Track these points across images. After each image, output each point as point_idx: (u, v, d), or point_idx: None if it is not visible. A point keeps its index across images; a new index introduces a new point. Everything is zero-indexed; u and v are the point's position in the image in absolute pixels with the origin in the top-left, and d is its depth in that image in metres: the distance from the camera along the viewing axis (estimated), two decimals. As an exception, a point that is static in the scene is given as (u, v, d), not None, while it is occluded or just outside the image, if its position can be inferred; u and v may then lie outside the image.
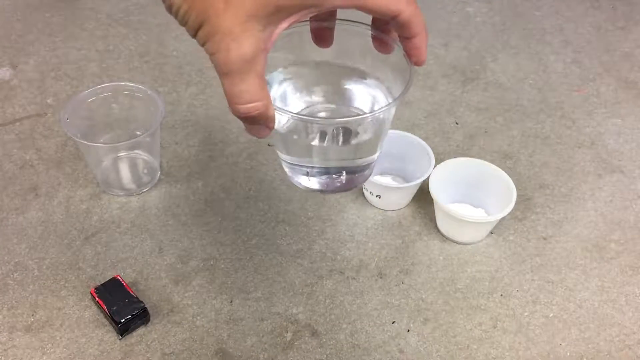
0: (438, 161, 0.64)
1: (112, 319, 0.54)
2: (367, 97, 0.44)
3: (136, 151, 0.68)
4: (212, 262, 0.61)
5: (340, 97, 0.45)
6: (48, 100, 0.79)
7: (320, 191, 0.45)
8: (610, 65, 0.89)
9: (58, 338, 0.54)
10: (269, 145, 0.74)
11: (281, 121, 0.40)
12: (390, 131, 0.68)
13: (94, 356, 0.53)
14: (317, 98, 0.44)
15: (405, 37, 0.36)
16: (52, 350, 0.54)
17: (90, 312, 0.56)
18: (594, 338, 0.55)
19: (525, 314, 0.57)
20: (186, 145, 0.73)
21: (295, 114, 0.38)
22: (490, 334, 0.56)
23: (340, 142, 0.42)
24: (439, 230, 0.64)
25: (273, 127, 0.36)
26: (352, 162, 0.44)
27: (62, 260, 0.61)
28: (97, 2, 0.98)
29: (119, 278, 0.57)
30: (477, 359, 0.54)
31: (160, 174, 0.69)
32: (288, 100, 0.44)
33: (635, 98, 0.83)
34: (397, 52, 0.41)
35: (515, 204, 0.60)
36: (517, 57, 0.90)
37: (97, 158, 0.66)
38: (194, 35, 0.31)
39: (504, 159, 0.73)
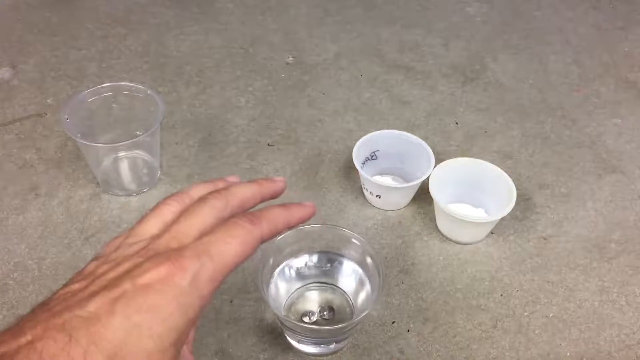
0: (438, 161, 0.64)
1: (112, 319, 0.54)
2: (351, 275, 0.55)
3: (136, 151, 0.68)
4: (212, 262, 0.61)
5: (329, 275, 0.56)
6: (48, 100, 0.79)
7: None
8: (610, 65, 0.89)
9: (58, 338, 0.54)
10: (268, 145, 0.74)
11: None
12: (390, 131, 0.69)
13: (94, 356, 0.53)
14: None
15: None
16: (52, 350, 0.54)
17: (90, 312, 0.56)
18: (594, 338, 0.55)
19: (525, 314, 0.57)
20: (186, 145, 0.74)
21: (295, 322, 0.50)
22: (490, 334, 0.56)
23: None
24: (439, 231, 0.64)
25: None
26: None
27: (62, 260, 0.61)
28: (97, 2, 0.98)
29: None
30: (477, 359, 0.54)
31: (160, 174, 0.69)
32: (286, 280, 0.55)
33: (635, 98, 0.83)
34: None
35: (515, 204, 0.60)
36: (517, 57, 0.90)
37: (97, 158, 0.66)
38: None
39: (504, 159, 0.73)
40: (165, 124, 0.76)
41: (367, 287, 0.53)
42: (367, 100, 0.82)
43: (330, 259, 0.56)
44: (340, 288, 0.55)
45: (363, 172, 0.63)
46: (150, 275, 0.30)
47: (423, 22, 0.97)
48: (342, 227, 0.54)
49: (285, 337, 0.54)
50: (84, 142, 0.61)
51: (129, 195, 0.67)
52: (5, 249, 0.61)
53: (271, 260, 0.53)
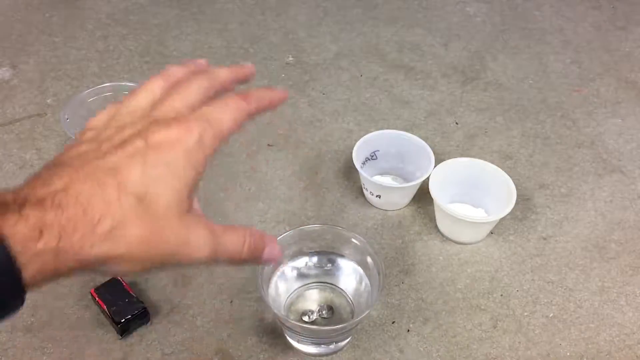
0: (438, 161, 0.64)
1: (112, 319, 0.54)
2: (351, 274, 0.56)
3: (136, 151, 0.68)
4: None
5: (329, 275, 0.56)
6: (48, 100, 0.79)
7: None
8: (610, 65, 0.89)
9: (58, 338, 0.54)
10: (268, 145, 0.74)
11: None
12: (390, 131, 0.69)
13: (94, 356, 0.53)
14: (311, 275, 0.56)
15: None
16: (52, 350, 0.54)
17: (90, 312, 0.56)
18: (594, 338, 0.55)
19: (525, 314, 0.57)
20: (186, 145, 0.73)
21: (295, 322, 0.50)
22: (490, 334, 0.56)
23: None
24: (439, 231, 0.64)
25: None
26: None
27: (62, 260, 0.60)
28: (97, 2, 0.98)
29: (119, 278, 0.57)
30: (477, 359, 0.54)
31: (160, 174, 0.69)
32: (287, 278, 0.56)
33: (635, 98, 0.83)
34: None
35: (515, 204, 0.60)
36: (517, 57, 0.90)
37: (97, 158, 0.66)
38: (168, 264, 0.34)
39: (504, 159, 0.73)
40: (165, 124, 0.75)
41: (367, 287, 0.53)
42: (367, 100, 0.82)
43: (330, 259, 0.56)
44: (340, 288, 0.55)
45: (363, 172, 0.63)
46: (161, 135, 0.33)
47: (423, 22, 0.97)
48: (342, 227, 0.54)
49: (285, 337, 0.54)
50: (84, 142, 0.60)
51: (129, 195, 0.67)
52: (5, 249, 0.61)
53: None
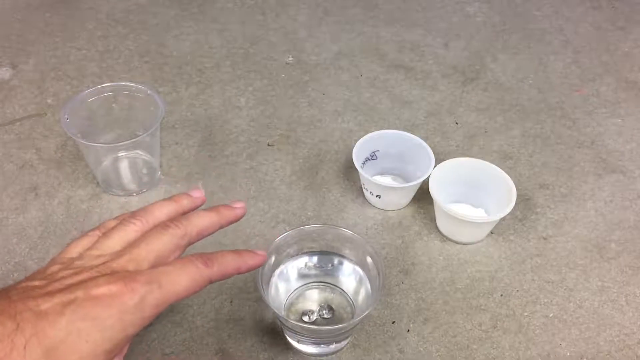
0: (438, 161, 0.64)
1: (112, 319, 0.54)
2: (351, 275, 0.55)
3: (136, 151, 0.68)
4: (212, 262, 0.61)
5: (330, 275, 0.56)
6: (48, 100, 0.79)
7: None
8: (610, 65, 0.89)
9: (58, 338, 0.54)
10: (268, 145, 0.74)
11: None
12: (390, 131, 0.69)
13: (94, 356, 0.53)
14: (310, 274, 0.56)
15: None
16: (52, 350, 0.54)
17: (90, 312, 0.56)
18: (594, 338, 0.55)
19: (525, 314, 0.57)
20: (186, 145, 0.74)
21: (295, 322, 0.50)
22: (490, 334, 0.56)
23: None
24: (439, 231, 0.64)
25: None
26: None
27: (62, 260, 0.61)
28: (97, 2, 0.98)
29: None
30: (477, 359, 0.54)
31: (160, 174, 0.69)
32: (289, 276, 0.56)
33: (635, 98, 0.83)
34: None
35: (515, 204, 0.60)
36: (517, 57, 0.90)
37: (97, 158, 0.66)
38: None
39: (504, 159, 0.73)
40: (165, 124, 0.76)
41: (367, 287, 0.53)
42: (367, 100, 0.82)
43: (330, 259, 0.56)
44: (340, 288, 0.55)
45: (363, 172, 0.63)
46: (103, 290, 0.34)
47: (423, 22, 0.97)
48: (342, 227, 0.54)
49: (285, 337, 0.54)
50: (84, 142, 0.61)
51: (129, 195, 0.67)
52: (5, 249, 0.61)
53: (271, 260, 0.53)
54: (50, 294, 0.34)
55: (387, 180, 0.68)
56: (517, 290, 0.59)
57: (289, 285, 0.55)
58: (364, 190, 0.67)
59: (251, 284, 0.59)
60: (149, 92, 0.65)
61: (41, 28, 0.92)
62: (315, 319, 0.54)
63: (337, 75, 0.86)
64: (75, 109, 0.63)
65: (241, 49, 0.90)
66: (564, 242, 0.64)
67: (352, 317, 0.53)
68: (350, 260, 0.55)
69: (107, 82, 0.67)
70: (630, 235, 0.65)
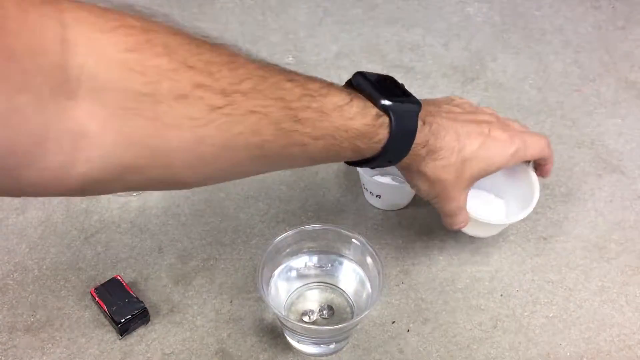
0: (438, 161, 0.64)
1: (112, 319, 0.54)
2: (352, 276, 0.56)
3: (136, 151, 0.68)
4: (212, 262, 0.61)
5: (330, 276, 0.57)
6: (48, 100, 0.79)
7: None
8: (610, 65, 0.89)
9: (58, 338, 0.54)
10: (269, 145, 0.74)
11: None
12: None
13: (94, 356, 0.53)
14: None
15: (542, 165, 0.58)
16: (52, 350, 0.54)
17: (90, 312, 0.56)
18: (594, 338, 0.55)
19: (525, 314, 0.57)
20: (186, 145, 0.73)
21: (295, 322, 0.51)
22: (490, 334, 0.56)
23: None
24: (439, 230, 0.64)
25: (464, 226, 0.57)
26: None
27: (62, 260, 0.61)
28: (97, 3, 0.98)
29: (119, 278, 0.57)
30: (477, 359, 0.54)
31: (160, 174, 0.69)
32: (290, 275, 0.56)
33: (635, 98, 0.83)
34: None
35: (515, 204, 0.60)
36: (517, 57, 0.90)
37: (97, 158, 0.66)
38: (431, 199, 0.53)
39: (504, 159, 0.73)
40: (165, 124, 0.75)
41: (367, 287, 0.53)
42: (367, 100, 0.81)
43: (330, 259, 0.56)
44: (340, 288, 0.55)
45: (363, 172, 0.63)
46: (498, 133, 0.51)
47: (423, 22, 0.97)
48: (342, 227, 0.54)
49: (285, 337, 0.54)
50: (84, 142, 0.60)
51: (129, 195, 0.67)
52: (5, 249, 0.61)
53: (271, 260, 0.53)
54: (468, 121, 0.51)
55: (387, 180, 0.68)
56: (517, 290, 0.59)
57: (289, 285, 0.55)
58: (364, 190, 0.67)
59: (251, 284, 0.59)
60: (149, 92, 0.65)
61: (41, 28, 0.92)
62: (315, 319, 0.54)
63: (337, 75, 0.86)
64: (75, 109, 0.63)
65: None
66: (564, 242, 0.64)
67: (352, 317, 0.53)
68: (350, 260, 0.55)
69: (107, 82, 0.67)
70: (630, 235, 0.65)
